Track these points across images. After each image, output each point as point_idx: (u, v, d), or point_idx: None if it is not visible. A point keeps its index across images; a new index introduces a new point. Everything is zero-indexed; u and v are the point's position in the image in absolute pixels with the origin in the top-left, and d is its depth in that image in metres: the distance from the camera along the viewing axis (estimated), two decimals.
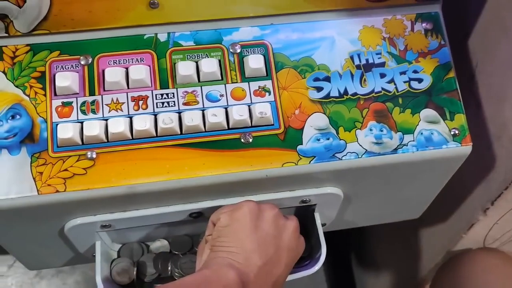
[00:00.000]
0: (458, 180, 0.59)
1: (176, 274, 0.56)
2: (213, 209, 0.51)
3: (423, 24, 0.53)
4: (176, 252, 0.57)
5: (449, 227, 0.83)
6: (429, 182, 0.56)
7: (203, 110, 0.48)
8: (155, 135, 0.47)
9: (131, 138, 0.47)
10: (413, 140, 0.50)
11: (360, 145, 0.49)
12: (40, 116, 0.47)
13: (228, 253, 0.44)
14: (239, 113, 0.48)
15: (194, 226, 0.57)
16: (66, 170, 0.46)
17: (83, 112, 0.47)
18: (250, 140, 0.48)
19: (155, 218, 0.51)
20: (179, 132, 0.48)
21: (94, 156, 0.46)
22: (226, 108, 0.49)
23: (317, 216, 0.56)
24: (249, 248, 0.44)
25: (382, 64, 0.52)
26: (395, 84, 0.51)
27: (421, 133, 0.50)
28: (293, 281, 0.54)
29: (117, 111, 0.48)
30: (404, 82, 0.51)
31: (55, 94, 0.48)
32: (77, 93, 0.48)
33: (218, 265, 0.43)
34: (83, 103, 0.48)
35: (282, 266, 0.46)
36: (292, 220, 0.48)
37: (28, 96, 0.47)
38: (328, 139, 0.49)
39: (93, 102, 0.48)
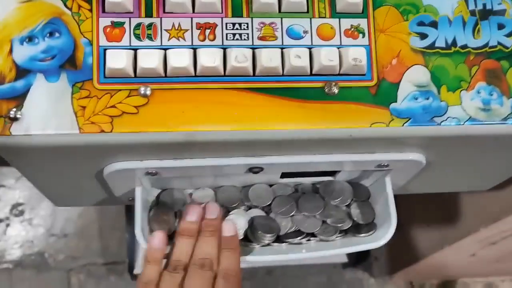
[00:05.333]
0: None
1: None
2: (278, 165, 0.44)
3: None
4: (223, 205, 0.50)
5: (506, 195, 0.76)
6: None
7: (282, 48, 0.39)
8: (223, 74, 0.39)
9: (194, 75, 0.38)
10: None
11: (464, 110, 0.41)
12: (84, 37, 0.38)
13: None
14: (328, 57, 0.39)
15: (244, 177, 0.50)
16: (113, 106, 0.37)
17: (137, 37, 0.38)
18: (336, 91, 0.40)
19: (210, 170, 0.43)
20: (251, 73, 0.39)
21: (149, 92, 0.38)
22: (310, 49, 0.40)
23: (388, 181, 0.49)
24: None
25: (502, 12, 0.42)
26: None
27: None
28: None
29: (179, 40, 0.39)
30: None
31: (104, 11, 0.38)
32: (131, 12, 0.39)
33: None
34: (138, 26, 0.38)
35: None
36: None
37: (70, 9, 0.38)
38: (427, 98, 0.41)
39: (149, 26, 0.39)
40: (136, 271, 1.20)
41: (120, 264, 1.27)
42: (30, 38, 0.37)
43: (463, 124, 0.41)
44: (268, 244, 0.49)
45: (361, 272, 1.33)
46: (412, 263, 1.16)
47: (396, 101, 0.40)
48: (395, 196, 0.50)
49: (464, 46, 0.41)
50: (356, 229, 0.50)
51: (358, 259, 1.31)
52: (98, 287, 1.26)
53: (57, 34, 0.38)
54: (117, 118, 0.37)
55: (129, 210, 1.15)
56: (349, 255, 1.28)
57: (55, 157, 0.40)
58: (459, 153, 0.46)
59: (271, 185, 0.52)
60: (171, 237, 0.49)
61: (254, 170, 0.44)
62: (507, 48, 0.42)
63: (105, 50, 0.38)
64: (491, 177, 0.55)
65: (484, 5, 0.42)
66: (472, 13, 0.42)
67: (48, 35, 0.37)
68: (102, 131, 0.37)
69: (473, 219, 0.91)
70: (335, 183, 0.52)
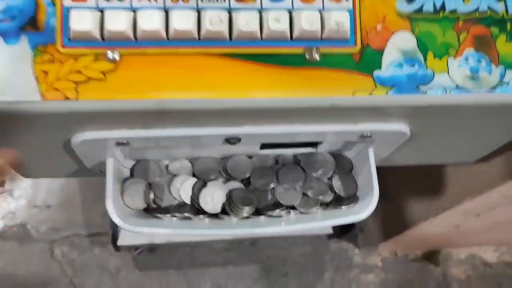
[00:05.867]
0: None
1: (198, 201, 0.47)
2: (256, 136, 0.42)
3: None
4: (200, 177, 0.48)
5: (492, 168, 0.75)
6: None
7: (260, 12, 0.37)
8: (197, 38, 0.36)
9: (166, 39, 0.36)
10: None
11: (451, 78, 0.39)
12: None
13: None
14: (309, 21, 0.36)
15: (222, 148, 0.48)
16: (79, 72, 0.35)
17: None
18: (317, 57, 0.37)
19: (185, 141, 0.41)
20: (228, 38, 0.37)
21: (117, 57, 0.35)
22: (290, 12, 0.37)
23: (371, 153, 0.48)
24: None
25: None
26: (505, 3, 0.40)
27: None
28: None
29: (150, 1, 0.36)
30: None
31: None
32: None
33: None
34: None
35: None
36: None
37: None
38: (413, 66, 0.39)
39: None
40: (120, 242, 1.19)
41: (104, 235, 1.26)
42: None
43: (449, 93, 0.39)
44: (247, 217, 0.47)
45: (346, 243, 1.33)
46: (397, 233, 1.17)
47: (380, 69, 0.38)
48: (381, 167, 0.48)
49: (453, 11, 0.39)
50: (338, 202, 0.49)
51: (343, 231, 1.31)
52: (82, 259, 1.25)
53: None
54: (83, 84, 0.35)
55: None
56: (334, 226, 1.28)
57: (17, 126, 0.37)
58: (445, 123, 0.44)
59: (250, 157, 0.50)
60: (146, 210, 0.47)
61: (231, 141, 0.42)
62: (497, 13, 0.40)
63: (69, 10, 0.35)
64: (477, 149, 0.54)
65: None
66: None
67: None
68: (66, 98, 0.35)
69: (459, 191, 0.90)
70: (317, 154, 0.50)
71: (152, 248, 1.24)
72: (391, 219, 1.18)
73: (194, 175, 0.49)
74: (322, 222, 0.46)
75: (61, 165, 0.47)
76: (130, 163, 0.48)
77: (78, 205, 1.29)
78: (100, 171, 0.47)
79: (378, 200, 0.46)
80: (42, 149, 0.43)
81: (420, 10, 0.39)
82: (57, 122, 0.37)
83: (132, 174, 0.48)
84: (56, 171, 0.50)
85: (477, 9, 0.40)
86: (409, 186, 1.02)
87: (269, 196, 0.48)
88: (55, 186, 1.29)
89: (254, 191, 0.48)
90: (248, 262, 1.26)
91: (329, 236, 1.31)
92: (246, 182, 0.49)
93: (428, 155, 0.55)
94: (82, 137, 0.39)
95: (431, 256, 1.35)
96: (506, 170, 0.76)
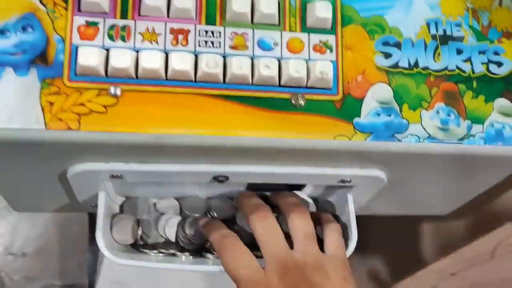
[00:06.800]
0: None
1: (182, 239, 0.49)
2: (243, 175, 0.44)
3: None
4: (186, 216, 0.50)
5: (465, 223, 0.78)
6: (482, 179, 0.50)
7: (252, 58, 0.41)
8: (193, 79, 0.40)
9: (165, 78, 0.39)
10: (482, 132, 0.44)
11: (424, 128, 0.43)
12: (57, 34, 0.38)
13: None
14: (296, 69, 0.40)
15: (208, 188, 0.50)
16: (82, 104, 0.38)
17: (111, 38, 0.39)
18: (302, 103, 0.41)
19: (176, 176, 0.44)
20: (222, 81, 0.40)
21: (119, 93, 0.38)
22: (279, 60, 0.41)
23: (350, 198, 0.50)
24: None
25: (461, 39, 0.45)
26: (471, 64, 0.44)
27: (492, 125, 0.44)
28: None
29: (152, 43, 0.39)
30: (482, 63, 0.45)
31: (79, 10, 0.39)
32: (106, 13, 0.39)
33: None
34: (112, 27, 0.39)
35: None
36: None
37: (45, 6, 0.38)
38: (389, 115, 0.42)
39: (124, 28, 0.39)
40: None
41: (79, 287, 1.23)
42: (2, 32, 0.37)
43: (422, 142, 0.42)
44: None
45: None
46: None
47: (359, 116, 0.42)
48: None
49: (425, 68, 0.44)
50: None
51: None
52: None
53: (30, 29, 0.38)
54: (85, 116, 0.38)
55: (92, 231, 1.12)
56: None
57: (18, 154, 0.39)
58: (418, 172, 0.47)
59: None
60: (133, 246, 0.48)
61: (219, 178, 0.44)
62: (464, 72, 0.44)
63: (77, 47, 0.38)
64: (450, 201, 0.57)
65: (444, 31, 0.44)
66: (433, 37, 0.44)
67: (21, 29, 0.38)
68: (69, 128, 0.37)
69: (434, 249, 0.92)
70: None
71: None
72: (363, 283, 1.18)
73: (181, 213, 0.51)
74: None
75: (54, 198, 0.49)
76: (120, 200, 0.50)
77: (55, 254, 1.26)
78: (91, 206, 0.48)
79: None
80: (39, 180, 0.44)
81: (396, 65, 0.43)
82: (57, 151, 0.39)
83: (121, 210, 0.49)
84: (48, 204, 0.51)
85: (446, 68, 0.44)
86: (384, 245, 1.03)
87: (253, 236, 0.50)
88: (34, 234, 1.27)
89: (239, 231, 0.50)
90: None
91: None
92: (232, 222, 0.51)
93: (404, 205, 0.58)
94: (79, 168, 0.41)
95: None
96: (476, 226, 0.79)
